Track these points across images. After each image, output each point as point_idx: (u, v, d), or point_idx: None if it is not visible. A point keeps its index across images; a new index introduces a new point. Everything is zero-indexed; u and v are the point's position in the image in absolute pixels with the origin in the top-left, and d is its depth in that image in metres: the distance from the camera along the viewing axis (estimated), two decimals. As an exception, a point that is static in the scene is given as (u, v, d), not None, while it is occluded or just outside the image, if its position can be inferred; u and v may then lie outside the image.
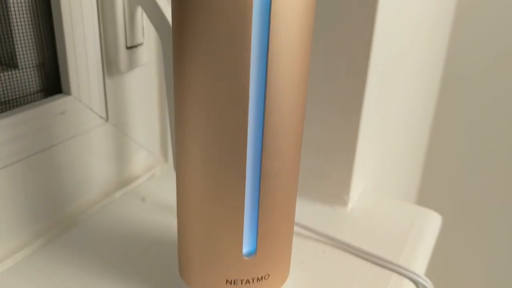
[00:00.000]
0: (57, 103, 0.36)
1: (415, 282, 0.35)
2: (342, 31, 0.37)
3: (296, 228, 0.39)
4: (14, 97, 0.36)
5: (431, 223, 0.42)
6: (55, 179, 0.37)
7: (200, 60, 0.24)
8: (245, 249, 0.28)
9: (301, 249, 0.37)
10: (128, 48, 0.39)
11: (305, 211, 0.41)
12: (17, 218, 0.35)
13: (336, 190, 0.42)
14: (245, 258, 0.28)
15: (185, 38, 0.24)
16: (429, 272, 0.39)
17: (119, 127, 0.42)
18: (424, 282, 0.35)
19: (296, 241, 0.37)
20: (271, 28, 0.23)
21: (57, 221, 0.38)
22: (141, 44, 0.40)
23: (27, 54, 0.36)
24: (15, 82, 0.36)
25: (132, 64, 0.40)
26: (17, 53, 0.36)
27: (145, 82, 0.43)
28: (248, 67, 0.23)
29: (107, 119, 0.40)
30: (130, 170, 0.44)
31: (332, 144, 0.41)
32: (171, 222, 0.39)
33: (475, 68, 0.70)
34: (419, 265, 0.37)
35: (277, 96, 0.24)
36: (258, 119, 0.25)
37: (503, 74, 0.69)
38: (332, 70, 0.39)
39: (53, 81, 0.38)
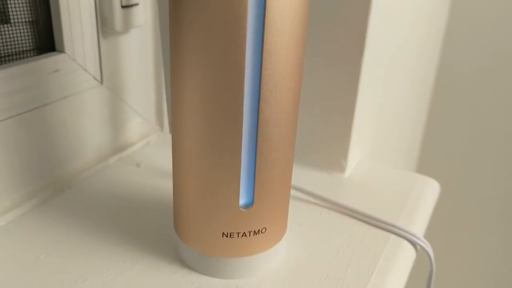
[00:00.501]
0: (51, 60, 0.35)
1: (413, 243, 0.34)
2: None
3: (293, 192, 0.38)
4: (6, 53, 0.35)
5: (430, 190, 0.41)
6: (48, 139, 0.37)
7: (196, 20, 0.23)
8: (242, 201, 0.27)
9: (298, 212, 0.36)
10: (123, 7, 0.38)
11: (303, 177, 0.41)
12: (9, 178, 0.34)
13: (334, 156, 0.41)
14: (242, 209, 0.27)
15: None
16: (428, 238, 0.39)
17: (114, 91, 0.41)
18: (422, 244, 0.34)
19: (293, 204, 0.37)
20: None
21: (50, 183, 0.37)
22: (136, 4, 0.39)
23: (19, 9, 0.35)
24: (8, 38, 0.35)
25: (127, 25, 0.39)
26: (9, 8, 0.35)
27: (140, 44, 0.42)
28: (245, 17, 0.22)
29: (101, 81, 0.40)
30: (125, 136, 0.44)
31: (330, 110, 0.40)
32: (167, 186, 0.39)
33: (477, 27, 0.70)
34: (418, 228, 0.36)
35: (276, 40, 0.24)
36: (255, 65, 0.24)
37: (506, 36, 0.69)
38: (331, 34, 0.38)
39: (46, 39, 0.37)
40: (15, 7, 0.35)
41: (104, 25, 0.38)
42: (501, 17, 0.67)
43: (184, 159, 0.27)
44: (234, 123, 0.25)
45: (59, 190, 0.37)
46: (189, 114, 0.26)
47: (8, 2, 0.35)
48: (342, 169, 0.41)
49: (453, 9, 0.69)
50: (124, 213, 0.35)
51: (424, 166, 0.79)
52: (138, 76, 0.43)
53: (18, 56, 0.35)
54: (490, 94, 0.72)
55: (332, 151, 0.41)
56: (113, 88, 0.41)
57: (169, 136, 0.47)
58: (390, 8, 0.41)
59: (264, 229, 0.28)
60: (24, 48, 0.36)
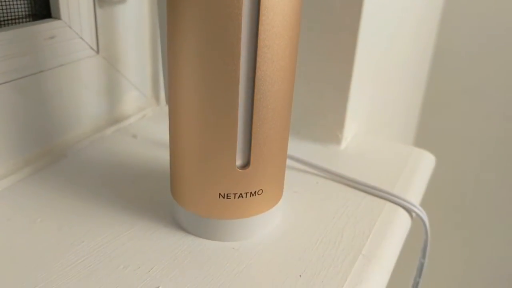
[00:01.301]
0: (46, 26, 0.35)
1: (408, 210, 0.34)
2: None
3: (290, 162, 0.38)
4: (1, 19, 0.34)
5: (425, 162, 0.41)
6: (44, 107, 0.36)
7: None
8: (239, 161, 0.27)
9: (294, 180, 0.36)
10: (119, -25, 0.38)
11: (299, 149, 0.41)
12: (4, 145, 0.34)
13: (330, 129, 0.41)
14: (238, 170, 0.27)
15: None
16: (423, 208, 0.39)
17: (110, 62, 0.41)
18: (418, 211, 0.34)
19: (289, 173, 0.37)
20: None
21: (46, 151, 0.37)
22: (133, -27, 0.39)
23: (14, -25, 0.35)
24: (2, 4, 0.34)
25: (123, -6, 0.39)
26: (4, -26, 0.34)
27: (137, 15, 0.42)
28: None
29: (97, 51, 0.39)
30: (121, 108, 0.43)
31: (326, 82, 0.40)
32: (164, 156, 0.39)
33: (474, 11, 0.70)
34: (413, 196, 0.36)
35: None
36: (252, 21, 0.24)
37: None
38: (327, 7, 0.38)
39: (42, 5, 0.36)
40: (10, -27, 0.35)
41: (100, -6, 0.38)
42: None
43: (181, 122, 0.27)
44: (231, 81, 0.25)
45: (55, 158, 0.37)
46: (186, 76, 0.26)
47: (3, -33, 0.34)
48: (338, 141, 0.41)
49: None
50: (121, 181, 0.35)
51: (421, 141, 0.80)
52: (134, 47, 0.43)
53: (13, 22, 0.35)
54: (487, 70, 0.72)
55: (328, 123, 0.41)
56: (109, 59, 0.41)
57: (166, 110, 0.46)
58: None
59: (261, 191, 0.29)
60: (20, 15, 0.36)
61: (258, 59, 0.25)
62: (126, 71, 0.43)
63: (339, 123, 0.41)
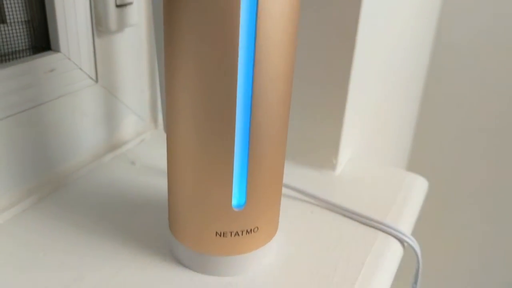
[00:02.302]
0: (46, 60, 0.36)
1: (401, 241, 0.35)
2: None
3: (284, 190, 0.39)
4: (2, 53, 0.35)
5: (418, 187, 0.42)
6: (44, 138, 0.37)
7: (190, 18, 0.24)
8: (235, 201, 0.28)
9: (289, 209, 0.37)
10: (117, 6, 0.38)
11: (294, 175, 0.41)
12: (6, 177, 0.35)
13: (325, 155, 0.42)
14: (234, 209, 0.28)
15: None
16: (415, 236, 0.40)
17: (109, 89, 0.42)
18: (410, 241, 0.35)
19: (284, 202, 0.38)
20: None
21: (47, 181, 0.38)
22: (130, 3, 0.40)
23: (15, 9, 0.35)
24: (3, 37, 0.35)
25: (121, 24, 0.39)
26: (5, 8, 0.35)
27: (135, 43, 0.42)
28: (238, 20, 0.23)
29: (96, 80, 0.40)
30: (119, 134, 0.44)
31: (321, 108, 0.41)
32: (162, 184, 0.39)
33: (466, 36, 0.71)
34: (406, 225, 0.37)
35: (267, 44, 0.24)
36: (247, 69, 0.25)
37: (495, 42, 0.70)
38: (321, 29, 0.39)
39: (42, 38, 0.37)
40: (11, 7, 0.35)
41: (99, 24, 0.39)
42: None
43: (178, 160, 0.28)
44: (227, 125, 0.26)
45: (55, 188, 0.38)
46: (183, 116, 0.27)
47: (4, 1, 0.35)
48: (332, 167, 0.42)
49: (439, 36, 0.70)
50: (120, 211, 0.36)
51: (414, 164, 0.81)
52: (132, 74, 0.43)
53: (13, 56, 0.36)
54: (480, 94, 0.73)
55: (323, 149, 0.42)
56: (108, 87, 0.41)
57: (164, 134, 0.47)
58: (380, 13, 0.41)
59: (256, 228, 0.29)
60: (20, 48, 0.36)
61: (254, 105, 0.25)
62: (124, 97, 0.43)
63: (334, 150, 0.42)
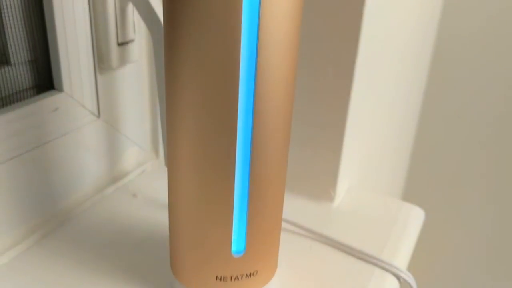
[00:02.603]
0: (50, 100, 0.37)
1: (397, 276, 0.36)
2: (329, 28, 0.38)
3: (283, 224, 0.40)
4: (6, 93, 0.36)
5: (414, 218, 0.43)
6: (48, 175, 0.38)
7: (191, 58, 0.24)
8: (234, 247, 0.29)
9: (288, 245, 0.38)
10: (119, 44, 0.39)
11: (292, 206, 0.42)
12: (10, 216, 0.36)
13: (323, 186, 0.43)
14: (234, 256, 0.29)
15: (176, 35, 0.24)
16: (412, 267, 0.41)
17: (111, 123, 0.42)
18: (405, 277, 0.36)
19: (283, 236, 0.38)
20: (260, 25, 0.23)
21: (50, 217, 0.38)
22: (132, 41, 0.40)
23: (19, 50, 0.36)
24: (8, 79, 0.36)
25: (123, 60, 0.40)
26: (9, 49, 0.36)
27: (136, 78, 0.43)
28: (238, 66, 0.24)
29: (98, 115, 0.41)
30: (121, 166, 0.45)
31: (319, 140, 0.42)
32: (163, 218, 0.40)
33: (460, 69, 0.71)
34: (401, 260, 0.38)
35: (266, 95, 0.25)
36: (247, 118, 0.26)
37: (490, 70, 0.70)
38: (319, 68, 0.39)
39: (45, 78, 0.38)
40: (15, 48, 0.36)
41: (101, 62, 0.39)
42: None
43: (178, 202, 0.29)
44: (227, 175, 0.27)
45: (59, 223, 0.38)
46: (183, 159, 0.27)
47: (8, 43, 0.36)
48: (331, 198, 0.43)
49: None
50: (122, 248, 0.37)
51: (411, 190, 0.81)
52: (133, 107, 0.44)
53: (17, 96, 0.37)
54: (473, 123, 0.74)
55: (321, 180, 0.43)
56: (109, 121, 0.42)
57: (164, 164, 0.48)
58: (377, 46, 0.42)
59: (256, 272, 0.30)
60: (24, 87, 0.37)
61: (253, 151, 0.26)
62: (126, 129, 0.44)
63: (332, 181, 0.43)
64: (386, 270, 0.36)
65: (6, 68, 0.36)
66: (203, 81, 0.24)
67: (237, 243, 0.29)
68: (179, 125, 0.27)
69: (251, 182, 0.27)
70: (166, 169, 0.30)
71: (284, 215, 0.39)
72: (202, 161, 0.26)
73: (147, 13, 0.37)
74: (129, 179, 0.45)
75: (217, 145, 0.26)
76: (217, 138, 0.26)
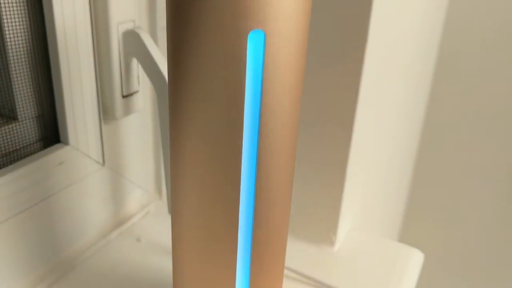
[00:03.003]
0: (56, 154, 0.37)
1: (396, 326, 0.37)
2: (330, 73, 0.39)
3: (285, 271, 0.40)
4: (13, 148, 0.37)
5: (414, 261, 0.44)
6: (53, 226, 0.39)
7: (194, 114, 0.25)
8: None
9: (289, 293, 0.39)
10: (124, 97, 0.40)
11: (293, 251, 0.43)
12: (18, 267, 0.36)
13: (323, 230, 0.44)
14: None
15: (180, 91, 0.25)
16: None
17: (115, 169, 0.43)
18: (405, 327, 0.37)
19: (285, 283, 0.39)
20: (264, 78, 0.24)
21: (56, 265, 0.39)
22: (136, 92, 0.41)
23: (26, 106, 0.37)
24: (15, 134, 0.37)
25: (127, 111, 0.41)
26: (17, 106, 0.37)
27: (140, 126, 0.44)
28: (242, 121, 0.25)
29: (103, 163, 0.42)
30: (125, 209, 0.46)
31: (319, 184, 0.43)
32: (166, 264, 0.41)
33: (457, 112, 0.72)
34: (401, 308, 0.39)
35: (269, 146, 0.26)
36: (251, 166, 0.26)
37: (486, 109, 0.71)
38: (320, 116, 0.40)
39: (51, 131, 0.39)
40: (23, 104, 0.37)
41: (106, 113, 0.40)
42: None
43: (182, 254, 0.30)
44: (230, 222, 0.27)
45: (64, 272, 0.39)
46: (187, 211, 0.28)
47: (16, 99, 0.37)
48: (331, 243, 0.44)
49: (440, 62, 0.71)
50: (126, 298, 0.37)
51: (410, 226, 0.80)
52: (138, 152, 0.45)
53: (24, 150, 0.37)
54: (469, 161, 0.74)
55: (322, 225, 0.44)
56: (114, 167, 0.43)
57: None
58: (377, 92, 0.43)
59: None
60: (30, 141, 0.38)
61: (256, 205, 0.27)
62: (130, 174, 0.45)
63: (333, 225, 0.43)
64: (386, 320, 0.37)
65: (13, 124, 0.37)
66: (207, 136, 0.25)
67: (240, 295, 0.30)
68: (183, 175, 0.27)
69: (254, 229, 0.28)
70: (170, 215, 0.31)
71: (285, 261, 0.40)
72: (206, 209, 0.27)
73: (151, 68, 0.38)
74: (133, 222, 0.46)
75: (221, 194, 0.27)
76: (220, 187, 0.26)
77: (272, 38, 0.23)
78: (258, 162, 0.26)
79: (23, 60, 0.36)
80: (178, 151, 0.27)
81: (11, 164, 0.36)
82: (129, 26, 0.38)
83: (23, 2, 0.35)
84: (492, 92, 0.69)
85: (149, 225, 0.46)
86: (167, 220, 0.43)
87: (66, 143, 0.39)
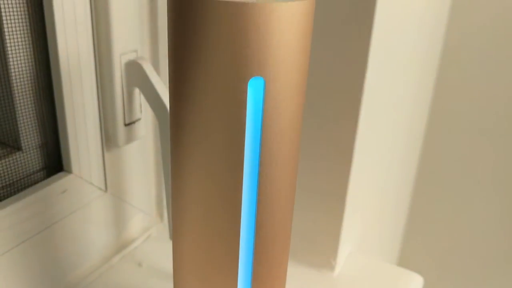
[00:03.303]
0: (59, 183, 0.38)
1: None
2: (329, 103, 0.39)
3: (285, 297, 0.41)
4: (17, 178, 0.37)
5: (413, 285, 0.44)
6: (57, 253, 0.39)
7: (195, 155, 0.26)
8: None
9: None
10: (126, 125, 0.41)
11: (294, 276, 0.43)
12: (21, 294, 0.37)
13: (323, 255, 0.44)
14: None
15: (182, 134, 0.26)
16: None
17: (117, 195, 0.44)
18: None
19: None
20: (264, 122, 0.24)
21: (58, 291, 0.40)
22: (138, 120, 0.42)
23: (30, 135, 0.38)
24: (19, 164, 0.37)
25: (130, 139, 0.42)
26: (20, 136, 0.37)
27: (142, 151, 0.45)
28: (242, 163, 0.25)
29: (106, 190, 0.42)
30: (127, 233, 0.46)
31: (320, 212, 0.43)
32: (167, 289, 0.41)
33: (456, 135, 0.72)
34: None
35: (269, 187, 0.26)
36: (251, 195, 0.27)
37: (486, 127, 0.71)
38: (320, 148, 0.41)
39: (55, 159, 0.39)
40: (26, 134, 0.37)
41: (108, 141, 0.41)
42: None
43: (182, 279, 0.30)
44: (231, 252, 0.28)
45: (67, 298, 0.40)
46: (188, 240, 0.28)
47: (20, 129, 0.37)
48: (331, 267, 0.44)
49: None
50: (128, 325, 0.38)
51: (408, 249, 0.80)
52: (140, 177, 0.46)
53: (27, 179, 0.38)
54: (468, 186, 0.74)
55: (322, 250, 0.44)
56: (116, 193, 0.43)
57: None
58: (378, 108, 0.44)
59: None
60: (33, 170, 0.39)
61: (257, 226, 0.27)
62: (132, 198, 0.45)
63: (333, 250, 0.44)
64: None
65: (17, 154, 0.37)
66: (208, 173, 0.26)
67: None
68: (184, 209, 0.28)
69: (254, 265, 0.28)
70: (171, 241, 0.31)
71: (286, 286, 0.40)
72: (207, 242, 0.28)
73: (152, 98, 0.38)
74: (134, 246, 0.46)
75: (221, 231, 0.27)
76: (221, 224, 0.27)
77: (272, 84, 0.24)
78: (258, 202, 0.27)
79: (27, 90, 0.37)
80: (179, 186, 0.28)
81: (15, 194, 0.37)
82: (131, 56, 0.39)
83: (27, 32, 0.36)
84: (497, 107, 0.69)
85: (150, 249, 0.46)
86: (168, 243, 0.44)
87: (69, 171, 0.39)
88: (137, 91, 0.40)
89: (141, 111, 0.42)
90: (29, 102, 0.37)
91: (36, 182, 0.38)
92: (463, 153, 0.72)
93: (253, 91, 0.24)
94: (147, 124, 0.44)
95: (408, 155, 0.68)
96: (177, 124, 0.26)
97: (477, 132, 0.71)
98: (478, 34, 0.67)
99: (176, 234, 0.30)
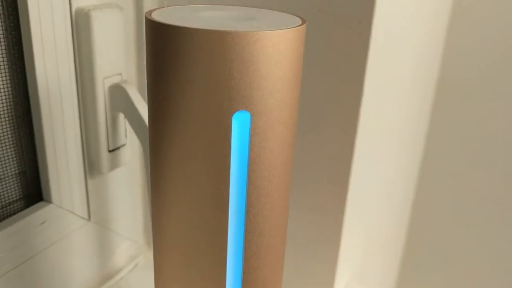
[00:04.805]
0: (38, 214, 0.36)
1: None
2: (324, 134, 0.37)
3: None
4: (-7, 209, 0.35)
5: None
6: (36, 285, 0.37)
7: (176, 194, 0.24)
8: None
9: None
10: (110, 151, 0.39)
11: (289, 308, 0.41)
12: (-5, 334, 0.35)
13: (319, 287, 0.42)
14: None
15: (162, 170, 0.24)
16: None
17: (102, 224, 0.42)
18: None
19: None
20: (250, 158, 0.23)
21: (37, 328, 0.37)
22: (123, 145, 0.40)
23: (8, 162, 0.36)
24: (-5, 194, 0.35)
25: (114, 165, 0.40)
26: (-3, 164, 0.35)
27: (128, 177, 0.43)
28: (227, 201, 0.23)
29: (89, 218, 0.40)
30: (113, 263, 0.44)
31: (315, 240, 0.41)
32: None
33: (455, 158, 0.70)
34: None
35: (257, 228, 0.24)
36: (237, 254, 0.25)
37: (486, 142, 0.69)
38: (314, 174, 0.39)
39: (34, 188, 0.37)
40: (4, 161, 0.35)
41: (92, 168, 0.39)
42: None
43: None
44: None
45: (46, 336, 0.37)
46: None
47: (-4, 157, 0.35)
48: (327, 300, 0.42)
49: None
50: None
51: (406, 280, 0.79)
52: (125, 205, 0.43)
53: (4, 210, 0.36)
54: (466, 212, 0.72)
55: (318, 282, 0.42)
56: (100, 222, 0.41)
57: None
58: (375, 137, 0.42)
59: None
60: (12, 200, 0.36)
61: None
62: (117, 227, 0.43)
63: (329, 282, 0.42)
64: None
65: (-7, 184, 0.35)
66: (191, 213, 0.24)
67: None
68: (166, 249, 0.26)
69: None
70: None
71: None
72: (191, 281, 0.26)
73: (137, 123, 0.36)
74: (121, 276, 0.44)
75: (207, 276, 0.25)
76: (206, 269, 0.25)
77: (258, 118, 0.22)
78: (246, 243, 0.25)
79: (2, 116, 0.35)
80: (159, 230, 0.26)
81: (-10, 226, 0.35)
82: (115, 80, 0.37)
83: (2, 56, 0.34)
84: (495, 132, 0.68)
85: (138, 278, 0.44)
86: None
87: (49, 201, 0.37)
88: (121, 115, 0.38)
89: (126, 136, 0.40)
90: (5, 129, 0.35)
91: (14, 213, 0.36)
92: (463, 187, 0.71)
93: (239, 126, 0.22)
94: (133, 149, 0.42)
95: (407, 180, 0.66)
96: (157, 163, 0.24)
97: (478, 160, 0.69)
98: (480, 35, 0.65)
99: (157, 278, 0.28)
